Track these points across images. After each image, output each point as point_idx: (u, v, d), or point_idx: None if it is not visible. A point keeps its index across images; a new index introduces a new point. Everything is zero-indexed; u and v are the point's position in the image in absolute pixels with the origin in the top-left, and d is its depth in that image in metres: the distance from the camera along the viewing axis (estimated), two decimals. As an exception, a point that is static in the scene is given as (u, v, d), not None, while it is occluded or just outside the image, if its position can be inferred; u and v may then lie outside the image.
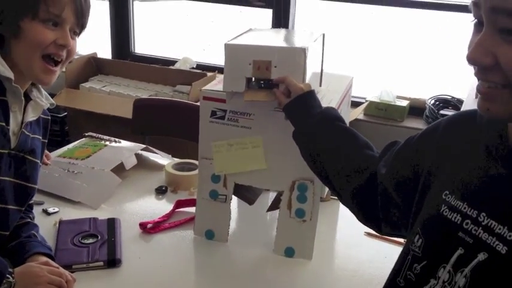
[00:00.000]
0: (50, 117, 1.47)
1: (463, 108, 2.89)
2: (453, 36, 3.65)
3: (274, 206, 1.56)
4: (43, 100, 1.39)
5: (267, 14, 3.58)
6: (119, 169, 1.85)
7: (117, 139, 2.03)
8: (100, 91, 3.64)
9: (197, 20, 6.89)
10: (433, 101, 3.35)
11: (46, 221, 1.59)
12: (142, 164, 1.96)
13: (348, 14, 5.44)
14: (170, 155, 2.03)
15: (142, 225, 1.59)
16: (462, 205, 0.84)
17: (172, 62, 3.95)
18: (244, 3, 3.65)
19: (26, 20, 1.22)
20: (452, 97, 3.47)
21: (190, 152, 2.71)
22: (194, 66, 3.89)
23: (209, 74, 3.69)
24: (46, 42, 1.24)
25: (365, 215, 1.17)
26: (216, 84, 1.52)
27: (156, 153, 1.99)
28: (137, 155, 1.94)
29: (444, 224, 0.85)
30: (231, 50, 1.34)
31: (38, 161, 1.40)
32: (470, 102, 2.89)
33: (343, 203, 1.23)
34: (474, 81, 2.53)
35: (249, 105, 1.41)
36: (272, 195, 1.66)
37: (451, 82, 3.42)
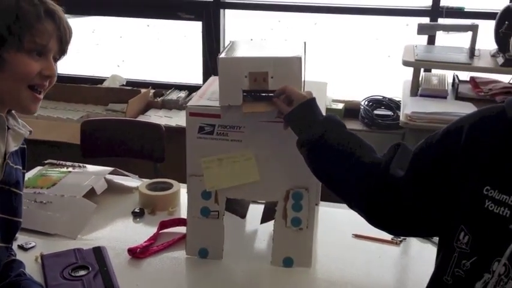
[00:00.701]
0: (25, 146, 1.39)
1: (403, 105, 3.01)
2: (376, 40, 3.81)
3: (268, 217, 1.55)
4: (21, 128, 1.31)
5: (183, 25, 3.56)
6: (89, 195, 1.77)
7: (81, 164, 1.94)
8: (27, 116, 3.45)
9: (104, 36, 6.72)
10: (366, 102, 3.48)
11: (25, 257, 1.48)
12: (113, 187, 1.88)
13: (275, 22, 5.52)
14: (137, 176, 1.96)
15: (132, 251, 1.53)
16: (508, 198, 0.88)
17: (100, 81, 3.83)
18: (173, 17, 3.61)
19: (11, 51, 1.14)
20: (384, 97, 3.61)
21: (150, 170, 2.65)
22: (124, 83, 3.80)
23: (143, 90, 3.62)
24: (32, 74, 1.17)
25: (377, 218, 1.19)
26: (199, 99, 1.50)
27: (126, 175, 1.92)
28: (106, 179, 1.86)
29: (492, 219, 0.88)
30: (225, 63, 1.32)
31: (22, 193, 1.32)
32: (406, 100, 3.01)
33: (353, 208, 1.24)
34: (407, 81, 2.62)
35: (239, 118, 1.39)
36: (261, 206, 1.65)
37: (380, 83, 3.57)
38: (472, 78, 3.26)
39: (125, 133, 2.45)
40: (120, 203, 1.81)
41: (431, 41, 3.46)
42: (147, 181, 1.86)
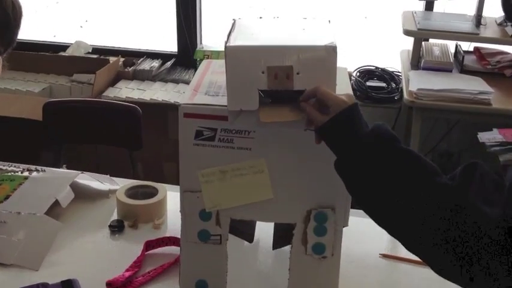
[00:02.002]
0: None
1: (404, 79, 2.72)
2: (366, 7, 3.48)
3: (282, 241, 1.26)
4: None
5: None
6: (53, 209, 1.43)
7: (39, 167, 1.59)
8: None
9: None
10: (358, 73, 3.19)
11: (-26, 296, 1.16)
12: (81, 195, 1.54)
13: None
14: (109, 176, 1.63)
15: (111, 285, 1.22)
16: None
17: (63, 47, 3.43)
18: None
19: None
20: (376, 67, 3.31)
21: (124, 159, 2.32)
22: (90, 50, 3.40)
23: (111, 59, 3.25)
24: None
25: (446, 267, 0.89)
26: (195, 94, 1.17)
27: (99, 181, 1.58)
28: (72, 185, 1.51)
29: None
30: (236, 54, 0.99)
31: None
32: (408, 74, 2.72)
33: (411, 250, 0.94)
34: (404, 52, 2.20)
35: (252, 124, 1.07)
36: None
37: (361, 50, 3.26)
38: (477, 49, 2.98)
39: (94, 116, 2.10)
40: (93, 216, 1.49)
41: (429, 6, 3.16)
42: (125, 185, 1.53)
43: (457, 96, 2.47)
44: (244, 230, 1.27)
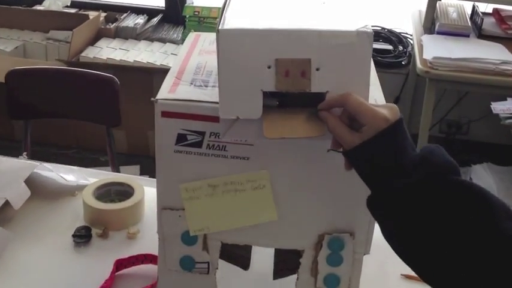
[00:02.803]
0: None
1: (417, 45, 2.43)
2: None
3: (285, 269, 1.01)
4: None
5: None
6: (3, 211, 1.17)
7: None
8: None
9: None
10: (363, 34, 2.88)
11: None
12: (41, 194, 1.27)
13: None
14: (78, 168, 1.36)
15: (71, 321, 0.97)
16: None
17: (39, 0, 3.10)
18: None
19: None
20: (382, 28, 3.03)
21: (97, 138, 2.04)
22: (68, 4, 3.08)
23: (91, 14, 2.94)
24: None
25: None
26: (177, 84, 0.90)
27: (63, 175, 1.31)
28: (28, 181, 1.23)
29: None
30: (232, 42, 0.71)
31: None
32: (422, 39, 2.44)
33: None
34: (416, 13, 1.82)
35: (252, 134, 0.81)
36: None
37: (377, 11, 2.97)
38: (496, 11, 2.69)
39: (65, 87, 1.82)
40: (54, 221, 1.22)
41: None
42: (94, 182, 1.27)
43: (477, 67, 2.19)
44: (238, 254, 1.02)
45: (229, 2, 0.79)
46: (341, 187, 0.87)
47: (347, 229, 0.91)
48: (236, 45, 0.71)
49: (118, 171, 1.92)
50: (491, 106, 2.18)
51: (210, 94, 0.86)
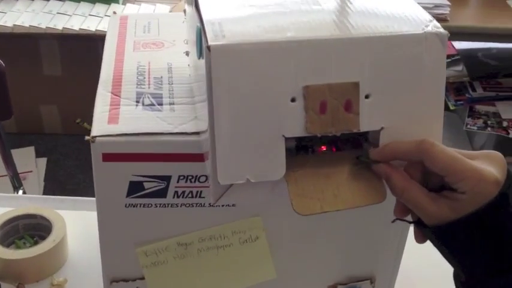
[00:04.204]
0: None
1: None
2: None
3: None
4: None
5: None
6: None
7: None
8: None
9: None
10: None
11: None
12: None
13: None
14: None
15: None
16: None
17: None
18: None
19: None
20: None
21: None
22: None
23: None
24: None
25: None
26: (117, 108, 0.61)
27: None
28: None
29: None
30: (235, 64, 0.43)
31: None
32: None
33: None
34: None
35: (256, 197, 0.54)
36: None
37: None
38: None
39: None
40: None
41: None
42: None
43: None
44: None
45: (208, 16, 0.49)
46: (354, 227, 0.65)
47: (365, 275, 0.69)
48: (242, 71, 0.43)
49: (11, 162, 1.56)
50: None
51: (171, 118, 0.59)
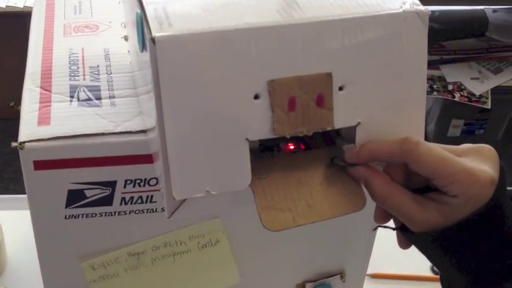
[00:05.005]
0: None
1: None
2: None
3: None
4: None
5: None
6: None
7: None
8: None
9: None
10: None
11: None
12: None
13: None
14: None
15: None
16: None
17: None
18: None
19: None
20: None
21: None
22: None
23: None
24: None
25: None
26: (48, 106, 0.53)
27: None
28: None
29: None
30: (185, 57, 0.36)
31: None
32: None
33: None
34: None
35: (212, 209, 0.48)
36: None
37: None
38: None
39: None
40: None
41: None
42: None
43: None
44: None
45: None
46: (322, 222, 0.59)
47: (335, 270, 0.64)
48: (194, 66, 0.36)
49: None
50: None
51: (112, 114, 0.51)
